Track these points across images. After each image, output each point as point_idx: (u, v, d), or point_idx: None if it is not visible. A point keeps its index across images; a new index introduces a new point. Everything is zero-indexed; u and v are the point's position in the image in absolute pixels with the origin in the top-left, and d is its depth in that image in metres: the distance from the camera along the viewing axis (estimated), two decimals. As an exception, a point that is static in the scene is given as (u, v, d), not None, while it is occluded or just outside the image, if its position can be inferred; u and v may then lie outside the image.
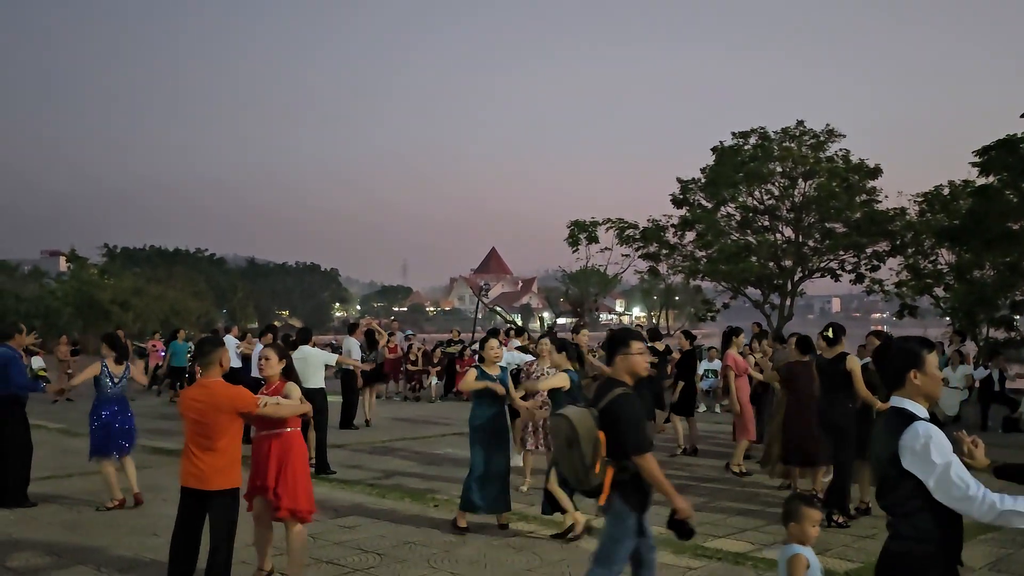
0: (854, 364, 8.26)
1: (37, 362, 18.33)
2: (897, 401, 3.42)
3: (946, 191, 25.75)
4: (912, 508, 3.28)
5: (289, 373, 6.24)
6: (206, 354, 5.70)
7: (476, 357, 19.66)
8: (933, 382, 3.39)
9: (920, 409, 3.37)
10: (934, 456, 3.19)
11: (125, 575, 6.43)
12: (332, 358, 11.21)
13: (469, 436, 7.90)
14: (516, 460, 9.69)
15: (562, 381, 7.92)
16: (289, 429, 6.02)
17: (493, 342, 8.16)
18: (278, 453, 5.94)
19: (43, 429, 12.68)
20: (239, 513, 5.71)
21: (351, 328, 15.42)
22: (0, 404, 8.86)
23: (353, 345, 14.52)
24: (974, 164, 22.16)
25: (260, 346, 13.32)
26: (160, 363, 22.20)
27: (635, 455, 4.53)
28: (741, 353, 11.44)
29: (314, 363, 10.47)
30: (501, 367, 7.97)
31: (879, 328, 9.27)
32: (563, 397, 7.78)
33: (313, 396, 8.80)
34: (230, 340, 16.45)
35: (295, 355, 8.10)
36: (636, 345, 4.80)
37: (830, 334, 8.51)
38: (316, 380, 10.34)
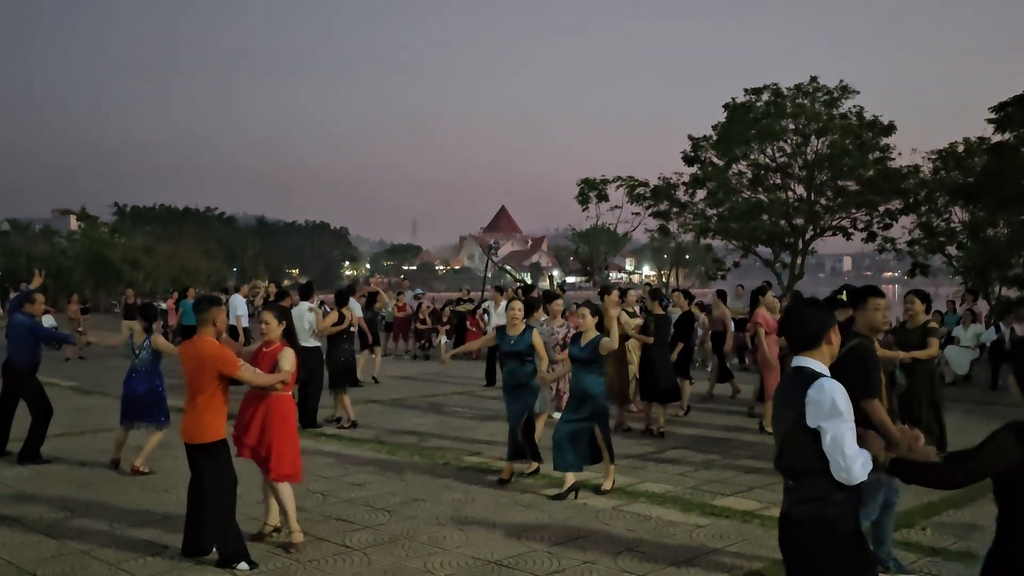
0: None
1: (48, 320, 18.37)
2: (800, 360, 3.46)
3: (961, 148, 25.47)
4: (817, 469, 3.26)
5: (290, 335, 6.23)
6: (200, 312, 5.87)
7: (485, 315, 19.78)
8: (839, 340, 3.55)
9: (824, 368, 3.42)
10: (840, 410, 3.22)
11: (137, 530, 6.49)
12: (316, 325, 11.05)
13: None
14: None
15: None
16: (279, 392, 6.03)
17: (516, 303, 8.31)
18: (263, 414, 5.99)
19: (55, 387, 12.76)
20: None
21: (351, 289, 15.55)
22: (24, 370, 9.00)
23: (353, 306, 14.55)
24: (990, 120, 21.89)
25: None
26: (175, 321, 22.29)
27: (862, 399, 4.76)
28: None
29: (303, 322, 10.51)
30: (529, 326, 8.18)
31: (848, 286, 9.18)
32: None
33: (305, 355, 8.60)
34: (238, 299, 16.49)
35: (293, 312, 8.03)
36: (873, 302, 5.24)
37: (844, 297, 8.46)
38: (305, 339, 10.24)
